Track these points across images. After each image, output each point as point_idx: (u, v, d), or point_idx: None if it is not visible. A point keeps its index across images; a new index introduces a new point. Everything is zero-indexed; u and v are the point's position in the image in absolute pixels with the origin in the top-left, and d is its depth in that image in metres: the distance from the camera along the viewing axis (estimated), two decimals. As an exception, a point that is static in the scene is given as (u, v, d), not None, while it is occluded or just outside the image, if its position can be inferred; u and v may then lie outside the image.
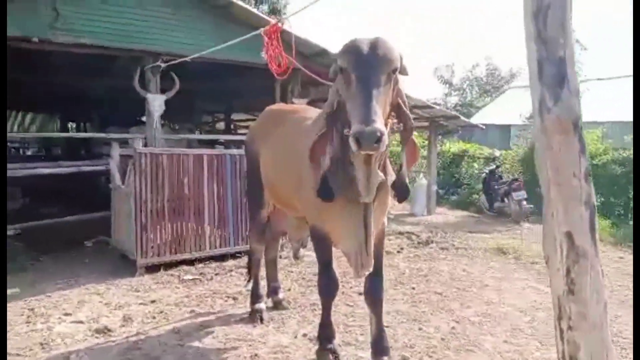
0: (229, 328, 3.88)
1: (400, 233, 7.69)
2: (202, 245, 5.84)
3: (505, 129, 18.21)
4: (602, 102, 15.25)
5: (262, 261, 4.40)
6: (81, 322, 4.04)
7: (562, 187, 1.70)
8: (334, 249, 3.28)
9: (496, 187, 10.18)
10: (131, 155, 6.05)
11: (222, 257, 5.96)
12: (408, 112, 2.83)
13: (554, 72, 1.69)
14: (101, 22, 6.12)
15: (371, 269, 3.03)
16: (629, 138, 10.76)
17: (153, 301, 4.55)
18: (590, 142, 10.71)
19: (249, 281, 4.50)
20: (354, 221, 2.93)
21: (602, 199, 9.56)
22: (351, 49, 2.56)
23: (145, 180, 5.40)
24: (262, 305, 4.18)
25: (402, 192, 2.90)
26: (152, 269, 5.47)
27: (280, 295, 4.45)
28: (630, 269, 5.84)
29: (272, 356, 3.36)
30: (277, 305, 4.37)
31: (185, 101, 9.68)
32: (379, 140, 2.28)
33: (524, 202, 9.33)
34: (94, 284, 5.00)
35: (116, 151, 6.22)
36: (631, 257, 6.50)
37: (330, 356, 3.20)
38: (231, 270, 5.58)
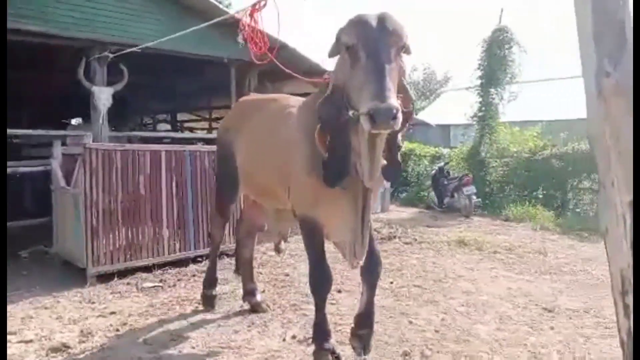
0: (207, 335, 3.54)
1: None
2: (160, 250, 5.37)
3: (445, 128, 18.98)
4: (539, 102, 16.27)
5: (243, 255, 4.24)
6: (30, 341, 3.51)
7: (623, 154, 1.62)
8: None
9: (446, 183, 10.43)
10: (74, 155, 5.47)
11: (182, 262, 5.53)
12: (411, 92, 2.70)
13: (614, 35, 1.60)
14: (42, 6, 5.49)
15: (364, 259, 2.93)
16: (565, 135, 11.46)
17: (113, 313, 4.07)
18: (529, 139, 11.33)
19: (236, 271, 4.34)
20: (350, 208, 2.79)
21: (544, 192, 10.10)
22: (359, 23, 2.39)
23: (96, 179, 4.87)
24: (215, 292, 4.09)
25: (397, 173, 2.77)
26: (104, 277, 4.94)
27: (258, 298, 4.18)
28: (585, 254, 6.14)
29: (264, 362, 3.07)
30: (256, 308, 4.08)
31: (130, 98, 9.01)
32: (394, 117, 2.13)
33: (474, 197, 9.63)
34: (39, 297, 4.42)
35: (58, 149, 5.58)
36: (581, 244, 6.86)
37: (330, 356, 2.98)
38: (194, 275, 5.18)
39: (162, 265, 5.36)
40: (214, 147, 6.02)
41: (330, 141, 2.59)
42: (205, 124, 11.80)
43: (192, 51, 6.91)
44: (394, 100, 2.18)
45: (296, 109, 3.24)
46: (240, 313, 4.00)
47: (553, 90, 17.55)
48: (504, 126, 11.66)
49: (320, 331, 3.07)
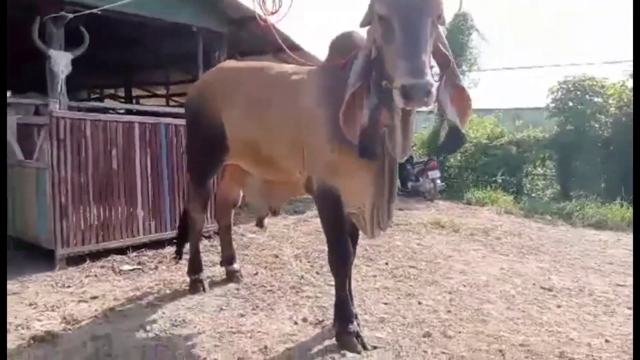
0: (211, 320, 3.26)
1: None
2: (135, 230, 4.94)
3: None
4: (494, 90, 16.84)
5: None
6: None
7: None
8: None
9: (409, 167, 10.54)
10: (31, 125, 4.89)
11: (158, 244, 5.13)
12: (449, 52, 2.56)
13: None
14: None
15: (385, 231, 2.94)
16: (519, 123, 11.93)
17: (94, 297, 3.68)
18: (488, 126, 11.70)
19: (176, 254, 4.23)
20: (378, 177, 2.71)
21: (503, 177, 10.47)
22: None
23: (64, 152, 4.35)
24: (203, 275, 3.89)
25: (457, 140, 2.61)
26: (75, 260, 4.48)
27: (236, 266, 4.12)
28: (555, 236, 6.40)
29: (284, 347, 2.86)
30: (231, 276, 4.05)
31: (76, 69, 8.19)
32: (428, 93, 2.05)
33: (438, 181, 9.80)
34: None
35: (13, 119, 4.94)
36: (547, 227, 7.15)
37: (355, 340, 2.83)
38: (174, 257, 4.79)
39: (137, 247, 4.94)
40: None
41: (369, 111, 2.41)
42: (161, 101, 11.09)
43: (158, 16, 6.33)
44: (429, 77, 2.09)
45: (309, 76, 3.03)
46: (239, 295, 3.74)
47: (507, 79, 18.27)
48: (463, 113, 11.95)
49: (344, 313, 2.93)
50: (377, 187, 2.71)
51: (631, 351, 2.88)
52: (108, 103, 9.57)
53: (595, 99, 9.05)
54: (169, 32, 7.08)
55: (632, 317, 3.47)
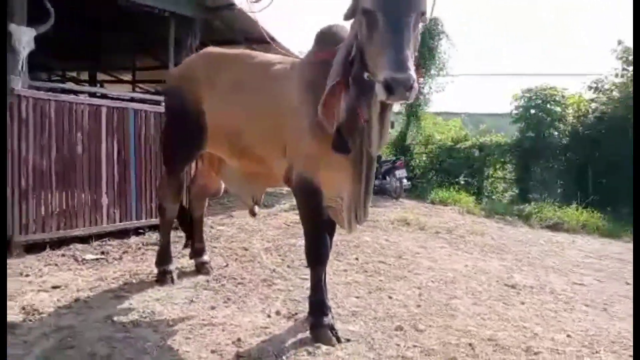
0: (181, 312, 3.18)
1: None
2: (98, 219, 4.76)
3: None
4: (459, 95, 17.29)
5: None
6: (-45, 320, 2.88)
7: None
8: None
9: (376, 165, 10.66)
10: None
11: (123, 234, 4.97)
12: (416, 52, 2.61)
13: None
14: None
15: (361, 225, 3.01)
16: (483, 126, 12.30)
17: (56, 287, 3.52)
18: (453, 129, 12.01)
19: (186, 246, 4.14)
20: (355, 171, 2.73)
21: (465, 179, 10.78)
22: None
23: (26, 132, 4.13)
24: (172, 267, 3.78)
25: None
26: (33, 247, 4.28)
27: (205, 257, 4.05)
28: (514, 236, 6.63)
29: (257, 340, 2.82)
30: (201, 268, 3.99)
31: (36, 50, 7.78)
32: (411, 87, 2.07)
33: (404, 180, 9.97)
34: (-48, 269, 3.65)
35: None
36: (507, 227, 7.41)
37: (329, 332, 2.83)
38: (139, 248, 4.68)
39: (100, 236, 4.77)
40: (161, 108, 5.49)
41: (348, 105, 2.42)
42: (127, 87, 10.72)
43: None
44: (412, 71, 2.10)
45: (293, 68, 3.01)
46: (209, 288, 3.66)
47: (472, 84, 18.80)
48: (429, 115, 12.21)
49: (318, 305, 2.93)
50: (355, 181, 2.73)
51: (591, 346, 3.04)
52: (74, 86, 9.13)
53: (555, 108, 9.45)
54: (140, 16, 6.82)
55: (589, 313, 3.66)
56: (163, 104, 4.16)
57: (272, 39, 6.80)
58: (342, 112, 2.50)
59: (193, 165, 4.22)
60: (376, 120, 2.52)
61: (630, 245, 6.51)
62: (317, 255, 2.90)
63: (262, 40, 7.65)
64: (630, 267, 5.32)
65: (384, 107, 2.50)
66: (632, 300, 4.06)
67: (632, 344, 3.10)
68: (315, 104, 2.68)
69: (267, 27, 7.08)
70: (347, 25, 2.67)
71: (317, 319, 2.88)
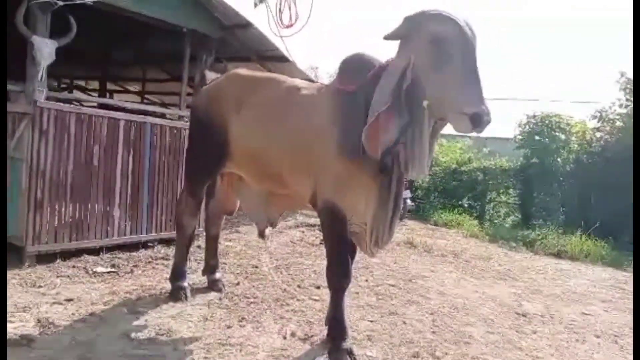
0: (197, 330, 3.17)
1: (308, 225, 7.45)
2: (109, 231, 4.77)
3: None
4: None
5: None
6: (-29, 331, 2.86)
7: None
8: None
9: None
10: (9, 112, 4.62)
11: (132, 247, 4.97)
12: None
13: None
14: None
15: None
16: (487, 150, 12.39)
17: (69, 300, 3.51)
18: (457, 151, 12.08)
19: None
20: (382, 196, 2.78)
21: (469, 202, 10.82)
22: (453, 19, 2.37)
23: (46, 144, 4.16)
24: (186, 283, 3.78)
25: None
26: (45, 258, 4.28)
27: (217, 275, 4.06)
28: (521, 263, 6.64)
29: (276, 362, 2.82)
30: (212, 285, 3.99)
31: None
32: (490, 121, 2.22)
33: (408, 201, 9.99)
34: (-35, 278, 3.64)
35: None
36: (512, 252, 7.43)
37: (348, 357, 2.83)
38: (149, 262, 4.68)
39: (110, 249, 4.76)
40: (177, 123, 5.54)
41: (399, 128, 2.46)
42: (135, 97, 10.78)
43: (151, 14, 6.20)
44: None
45: (321, 94, 3.06)
46: (223, 306, 3.66)
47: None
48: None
49: (338, 329, 2.94)
50: (382, 204, 2.76)
51: (606, 379, 3.04)
52: (95, 99, 9.17)
53: (560, 135, 9.55)
54: (156, 30, 6.92)
55: (601, 344, 3.66)
56: (188, 120, 4.19)
57: (285, 59, 6.91)
58: (391, 136, 2.50)
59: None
60: (427, 143, 2.57)
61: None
62: (339, 279, 2.92)
63: (274, 58, 7.79)
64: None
65: (435, 132, 2.59)
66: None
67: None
68: (342, 129, 2.74)
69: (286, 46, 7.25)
70: (391, 45, 2.70)
71: (336, 343, 2.88)
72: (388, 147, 2.49)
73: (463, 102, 2.22)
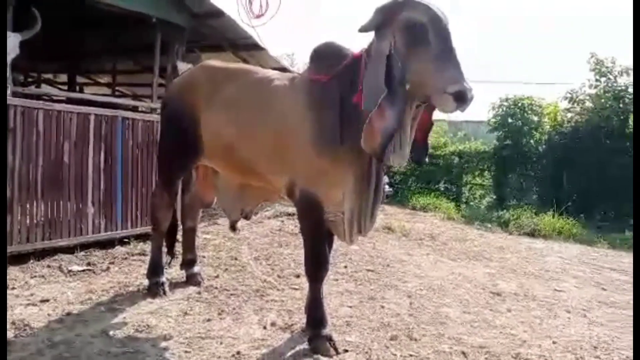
0: (177, 325, 3.17)
1: (287, 214, 7.47)
2: (83, 228, 4.69)
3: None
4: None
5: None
6: (-57, 337, 2.80)
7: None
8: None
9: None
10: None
11: (108, 244, 4.91)
12: None
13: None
14: None
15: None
16: (461, 134, 12.56)
17: (45, 300, 3.46)
18: (433, 136, 12.21)
19: (169, 262, 4.09)
20: (361, 185, 2.78)
21: (446, 185, 10.99)
22: (424, 4, 2.41)
23: (13, 142, 4.05)
24: (164, 279, 3.76)
25: (426, 153, 2.85)
26: (17, 258, 4.19)
27: (195, 269, 4.03)
28: (495, 243, 6.81)
29: (256, 352, 2.85)
30: (191, 279, 3.97)
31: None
32: (473, 98, 2.24)
33: (386, 187, 10.09)
34: None
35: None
36: (487, 233, 7.60)
37: (328, 343, 2.87)
38: (125, 259, 4.63)
39: (85, 247, 4.70)
40: (150, 116, 5.45)
41: (397, 115, 2.44)
42: (105, 90, 10.54)
43: (118, 4, 6.04)
44: None
45: (294, 84, 3.05)
46: (202, 299, 3.66)
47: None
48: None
49: (317, 317, 2.97)
50: (361, 192, 2.78)
51: (575, 352, 3.17)
52: (64, 93, 8.90)
53: (533, 117, 9.74)
54: (125, 21, 6.75)
55: (571, 319, 3.80)
56: (159, 113, 4.13)
57: (259, 47, 6.84)
58: (391, 125, 2.43)
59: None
60: (408, 128, 2.59)
61: (604, 251, 6.79)
62: (317, 269, 2.95)
63: (247, 47, 7.70)
64: (605, 273, 5.56)
65: (416, 114, 2.60)
66: (609, 306, 4.25)
67: (612, 349, 3.26)
68: (318, 119, 2.75)
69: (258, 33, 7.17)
70: (366, 36, 2.69)
71: (316, 330, 2.92)
72: (389, 137, 2.43)
73: (445, 81, 2.24)
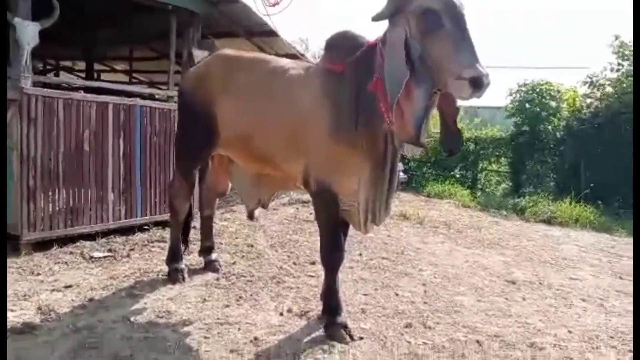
0: (197, 311, 3.25)
1: (302, 202, 7.52)
2: (104, 216, 4.81)
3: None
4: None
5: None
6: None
7: None
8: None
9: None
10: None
11: (128, 230, 5.02)
12: None
13: None
14: None
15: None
16: (478, 120, 12.41)
17: (69, 286, 3.57)
18: (448, 121, 12.10)
19: (184, 250, 4.12)
20: (379, 171, 2.79)
21: (461, 172, 10.91)
22: None
23: (34, 131, 4.15)
24: (183, 265, 3.84)
25: (461, 141, 2.78)
26: (41, 245, 4.32)
27: (213, 256, 4.12)
28: (510, 230, 6.77)
29: (273, 338, 2.91)
30: (209, 266, 4.06)
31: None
32: (489, 83, 2.23)
33: (401, 174, 10.06)
34: (-36, 268, 3.68)
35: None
36: (503, 221, 7.55)
37: (343, 331, 2.92)
38: (145, 245, 4.74)
39: (106, 233, 4.82)
40: (166, 104, 5.50)
41: (411, 95, 2.41)
42: (122, 77, 10.64)
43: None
44: None
45: (308, 74, 3.06)
46: (220, 286, 3.74)
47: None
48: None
49: (333, 304, 3.02)
50: (376, 181, 2.79)
51: (591, 341, 3.17)
52: (83, 82, 9.03)
53: (551, 103, 9.57)
54: (141, 8, 6.78)
55: (587, 308, 3.79)
56: (177, 102, 4.18)
57: (273, 33, 6.82)
58: (420, 105, 2.40)
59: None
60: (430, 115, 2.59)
61: (623, 239, 6.70)
62: (333, 257, 2.98)
63: (262, 34, 7.68)
64: (623, 261, 5.49)
65: (434, 101, 2.56)
66: (626, 296, 4.22)
67: (629, 339, 3.25)
68: (334, 108, 2.77)
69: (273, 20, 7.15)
70: (380, 25, 2.67)
71: (331, 318, 2.97)
72: (421, 119, 2.40)
73: (461, 66, 2.23)
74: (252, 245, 4.88)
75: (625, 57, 9.15)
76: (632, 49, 9.09)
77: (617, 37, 9.28)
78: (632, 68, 9.10)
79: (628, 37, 9.21)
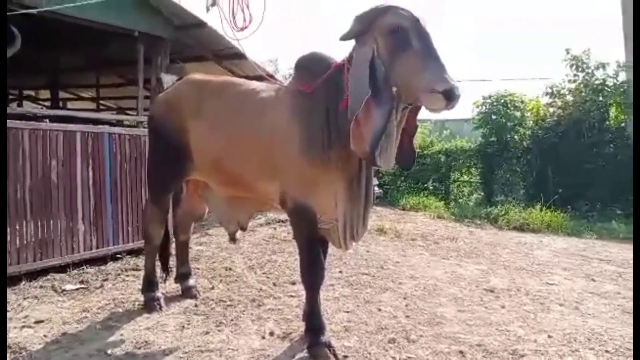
0: (175, 340, 3.17)
1: (279, 221, 7.48)
2: (75, 246, 4.66)
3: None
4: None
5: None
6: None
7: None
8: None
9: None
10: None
11: (100, 260, 4.88)
12: None
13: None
14: None
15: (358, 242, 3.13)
16: (446, 132, 12.69)
17: (40, 321, 3.43)
18: (420, 136, 12.32)
19: (165, 278, 4.05)
20: (352, 191, 2.82)
21: (434, 184, 11.09)
22: (407, 10, 2.46)
23: (-1, 163, 3.99)
24: (159, 293, 3.77)
25: (413, 159, 2.89)
26: (9, 280, 4.13)
27: (191, 282, 4.04)
28: (484, 239, 6.89)
29: (256, 363, 2.86)
30: (186, 293, 3.97)
31: None
32: (459, 96, 2.28)
33: (376, 188, 10.16)
34: None
35: None
36: (477, 230, 7.69)
37: (327, 350, 2.90)
38: (119, 274, 4.61)
39: (77, 264, 4.67)
40: (136, 130, 5.43)
41: (370, 113, 2.46)
42: (89, 104, 10.47)
43: (99, 20, 6.01)
44: None
45: (279, 95, 3.09)
46: (199, 312, 3.66)
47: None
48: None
49: (315, 324, 3.00)
50: (352, 197, 2.82)
51: (570, 344, 3.23)
52: (48, 111, 8.83)
53: (515, 113, 9.89)
54: (107, 35, 6.72)
55: (564, 312, 3.87)
56: (146, 127, 4.13)
57: (242, 57, 6.85)
58: (378, 125, 2.44)
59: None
60: (394, 132, 2.62)
61: (592, 242, 6.90)
62: (313, 276, 2.97)
63: (231, 57, 7.71)
64: (594, 263, 5.65)
65: (402, 118, 2.64)
66: (600, 297, 4.34)
67: (606, 340, 3.33)
68: (305, 128, 2.79)
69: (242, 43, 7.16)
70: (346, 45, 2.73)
71: (314, 338, 2.94)
72: (377, 138, 2.45)
73: (432, 80, 2.28)
74: (230, 269, 4.81)
75: (580, 69, 9.60)
76: (584, 61, 9.56)
77: (568, 51, 9.75)
78: (588, 78, 9.54)
79: (578, 50, 9.74)
